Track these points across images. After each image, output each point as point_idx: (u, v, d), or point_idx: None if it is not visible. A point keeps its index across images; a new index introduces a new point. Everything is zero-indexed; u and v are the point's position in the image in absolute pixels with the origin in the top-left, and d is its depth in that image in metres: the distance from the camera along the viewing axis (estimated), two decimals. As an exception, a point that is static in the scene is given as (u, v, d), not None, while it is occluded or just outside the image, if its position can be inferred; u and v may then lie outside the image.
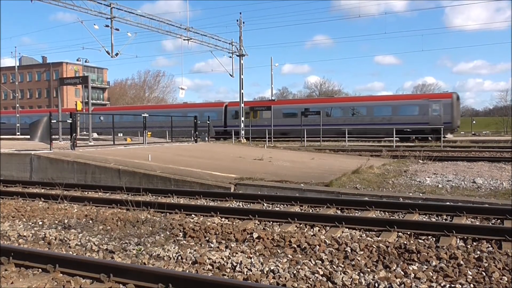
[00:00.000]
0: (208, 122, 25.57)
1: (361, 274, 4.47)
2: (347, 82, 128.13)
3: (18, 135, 49.21)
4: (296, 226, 6.75)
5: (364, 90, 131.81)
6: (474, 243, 5.66)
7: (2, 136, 28.52)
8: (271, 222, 6.99)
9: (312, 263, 4.87)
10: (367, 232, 6.34)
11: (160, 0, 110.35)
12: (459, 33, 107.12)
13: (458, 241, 5.79)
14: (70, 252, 5.52)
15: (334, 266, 4.78)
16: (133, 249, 5.50)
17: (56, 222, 7.17)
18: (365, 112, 38.09)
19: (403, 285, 4.17)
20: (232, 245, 5.61)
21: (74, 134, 15.34)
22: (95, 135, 28.17)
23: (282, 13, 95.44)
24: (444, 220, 7.01)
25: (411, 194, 8.99)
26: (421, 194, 8.91)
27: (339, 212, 7.76)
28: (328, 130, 34.73)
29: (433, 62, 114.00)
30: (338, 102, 41.29)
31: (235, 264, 4.86)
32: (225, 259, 5.03)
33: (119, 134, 32.40)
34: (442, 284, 4.17)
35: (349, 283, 4.27)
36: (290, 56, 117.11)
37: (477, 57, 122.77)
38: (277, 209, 8.08)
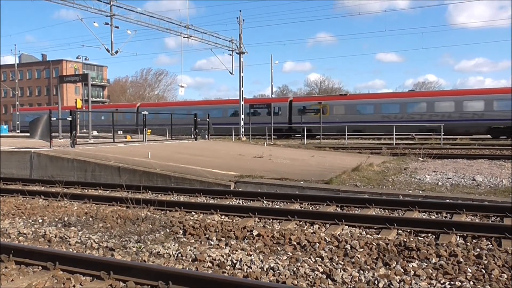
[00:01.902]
0: (208, 119, 25.55)
1: (361, 272, 4.47)
2: (348, 80, 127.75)
3: (18, 132, 49.21)
4: (296, 223, 6.76)
5: (365, 88, 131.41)
6: (474, 241, 5.66)
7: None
8: (271, 220, 7.00)
9: (312, 260, 4.88)
10: (367, 230, 6.34)
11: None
12: (462, 31, 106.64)
13: (457, 239, 5.79)
14: (70, 250, 5.53)
15: (334, 263, 4.78)
16: (133, 247, 5.50)
17: (56, 219, 7.17)
18: (453, 107, 33.80)
19: (402, 282, 4.18)
20: (232, 243, 5.62)
21: (74, 132, 15.34)
22: (95, 132, 28.16)
23: (283, 11, 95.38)
24: (444, 218, 7.02)
25: (411, 191, 9.00)
26: (421, 192, 8.91)
27: (339, 209, 7.76)
28: (409, 127, 32.65)
29: (435, 59, 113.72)
30: (419, 96, 36.96)
31: (235, 261, 4.87)
32: (225, 256, 5.03)
33: (119, 132, 32.39)
34: (441, 282, 4.18)
35: (349, 280, 4.27)
36: (291, 54, 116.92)
37: (478, 55, 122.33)
38: (277, 206, 8.08)
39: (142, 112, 20.65)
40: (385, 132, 32.02)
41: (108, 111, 42.92)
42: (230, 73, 36.00)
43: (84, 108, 28.99)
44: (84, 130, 26.62)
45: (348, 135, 31.25)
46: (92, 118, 21.81)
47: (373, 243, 5.33)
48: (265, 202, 8.43)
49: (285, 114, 39.44)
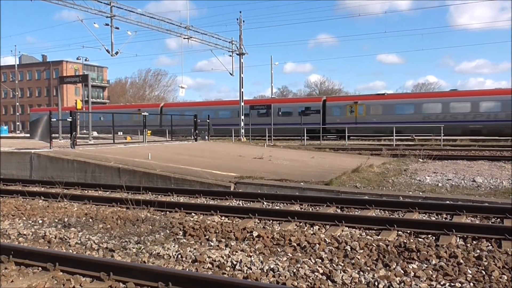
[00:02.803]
0: (207, 121, 25.56)
1: (361, 273, 4.47)
2: (348, 81, 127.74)
3: (19, 133, 49.24)
4: (296, 224, 6.76)
5: (365, 89, 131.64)
6: (474, 242, 5.66)
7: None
8: (271, 221, 6.99)
9: (312, 261, 4.88)
10: (367, 231, 6.34)
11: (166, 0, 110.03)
12: (463, 32, 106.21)
13: (458, 240, 5.79)
14: (70, 251, 5.52)
15: (334, 264, 4.78)
16: (133, 248, 5.50)
17: (56, 220, 7.17)
18: (499, 107, 32.37)
19: (402, 283, 4.18)
20: (232, 244, 5.61)
21: (74, 133, 15.34)
22: (95, 133, 28.17)
23: (284, 12, 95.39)
24: (444, 219, 7.01)
25: (411, 193, 9.00)
26: (421, 193, 8.91)
27: (339, 210, 7.75)
28: (451, 127, 31.10)
29: (436, 61, 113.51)
30: (463, 96, 34.67)
31: (235, 262, 4.86)
32: (225, 257, 5.03)
33: (119, 133, 32.41)
34: (442, 283, 4.18)
35: (349, 281, 4.27)
36: (292, 55, 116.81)
37: (479, 56, 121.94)
38: (277, 207, 8.07)
39: (143, 113, 20.62)
40: (426, 132, 30.88)
41: (127, 112, 40.88)
42: (230, 74, 36.06)
43: (84, 109, 28.96)
44: (84, 131, 26.58)
45: (385, 136, 29.89)
46: (113, 119, 21.77)
47: (373, 244, 5.32)
48: (265, 203, 8.43)
49: (318, 114, 37.62)
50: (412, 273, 4.42)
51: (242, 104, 35.39)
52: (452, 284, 4.14)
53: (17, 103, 66.53)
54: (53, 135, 15.61)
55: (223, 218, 7.33)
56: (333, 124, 36.08)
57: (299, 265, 4.72)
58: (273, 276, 4.46)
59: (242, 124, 35.33)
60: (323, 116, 37.59)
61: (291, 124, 36.31)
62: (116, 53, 26.27)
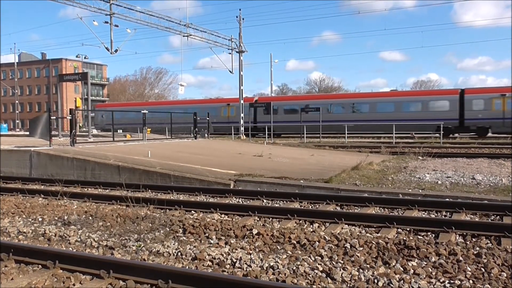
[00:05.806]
0: (207, 118, 25.56)
1: (361, 270, 4.48)
2: (350, 78, 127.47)
3: (18, 131, 49.23)
4: (295, 222, 6.76)
5: (367, 87, 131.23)
6: (473, 239, 5.66)
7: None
8: (270, 219, 7.00)
9: (311, 259, 4.88)
10: (367, 229, 6.35)
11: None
12: (467, 30, 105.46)
13: (457, 237, 5.80)
14: (70, 249, 5.52)
15: (333, 262, 4.79)
16: (133, 245, 5.50)
17: (56, 218, 7.17)
18: None
19: (402, 281, 4.18)
20: (232, 241, 5.62)
21: (73, 131, 15.34)
22: (95, 131, 28.14)
23: (286, 9, 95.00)
24: (443, 217, 7.02)
25: (410, 190, 9.00)
26: (420, 191, 8.92)
27: (338, 208, 7.76)
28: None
29: (438, 58, 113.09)
30: None
31: (234, 260, 4.87)
32: (224, 255, 5.04)
33: (118, 131, 32.37)
34: (441, 280, 4.18)
35: (349, 279, 4.28)
36: (295, 52, 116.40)
37: (482, 54, 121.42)
38: (276, 205, 8.08)
39: (142, 111, 20.59)
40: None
41: (209, 107, 37.01)
42: (230, 71, 36.04)
43: (84, 107, 28.92)
44: (84, 129, 26.52)
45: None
46: (113, 116, 21.66)
47: (373, 242, 5.33)
48: (264, 201, 8.43)
49: (454, 109, 33.06)
50: (412, 271, 4.42)
51: (242, 102, 35.38)
52: (452, 281, 4.15)
53: (17, 101, 66.50)
54: (52, 132, 15.59)
55: (222, 215, 7.34)
56: (473, 120, 31.75)
57: (298, 263, 4.72)
58: (273, 274, 4.46)
59: (241, 121, 35.31)
60: (461, 111, 32.86)
61: (413, 119, 32.20)
62: (116, 51, 26.25)
